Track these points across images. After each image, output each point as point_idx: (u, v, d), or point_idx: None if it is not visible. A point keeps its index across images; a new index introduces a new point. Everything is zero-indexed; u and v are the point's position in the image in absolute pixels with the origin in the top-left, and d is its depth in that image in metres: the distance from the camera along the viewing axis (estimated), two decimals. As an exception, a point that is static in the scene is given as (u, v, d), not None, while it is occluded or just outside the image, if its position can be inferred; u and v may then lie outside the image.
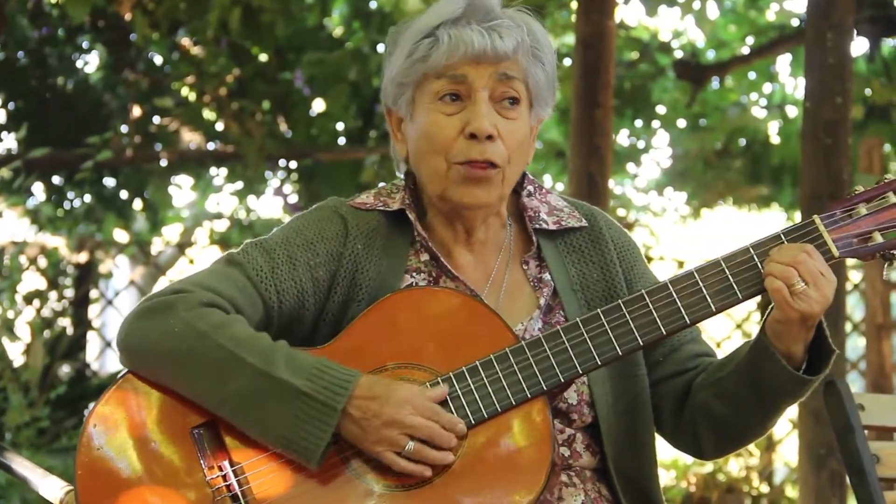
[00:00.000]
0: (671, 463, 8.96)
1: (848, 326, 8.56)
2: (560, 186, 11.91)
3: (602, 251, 2.66)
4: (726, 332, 10.21)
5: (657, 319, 2.44)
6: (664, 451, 2.75)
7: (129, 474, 2.41)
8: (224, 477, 2.40)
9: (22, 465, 2.82)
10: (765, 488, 9.27)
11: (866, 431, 2.81)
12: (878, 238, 2.46)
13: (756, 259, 2.45)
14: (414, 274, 2.61)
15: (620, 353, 2.44)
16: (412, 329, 2.47)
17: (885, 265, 2.49)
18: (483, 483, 2.38)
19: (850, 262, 7.06)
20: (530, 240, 2.66)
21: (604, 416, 2.57)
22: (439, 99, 2.53)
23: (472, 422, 2.40)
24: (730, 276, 2.45)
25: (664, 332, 2.45)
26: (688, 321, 2.45)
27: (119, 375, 2.50)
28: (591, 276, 2.64)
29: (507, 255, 2.66)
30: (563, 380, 2.43)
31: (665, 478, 8.89)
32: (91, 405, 2.46)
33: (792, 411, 9.69)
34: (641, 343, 2.44)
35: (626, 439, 2.60)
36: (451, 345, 2.45)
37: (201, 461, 2.41)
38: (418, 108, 2.57)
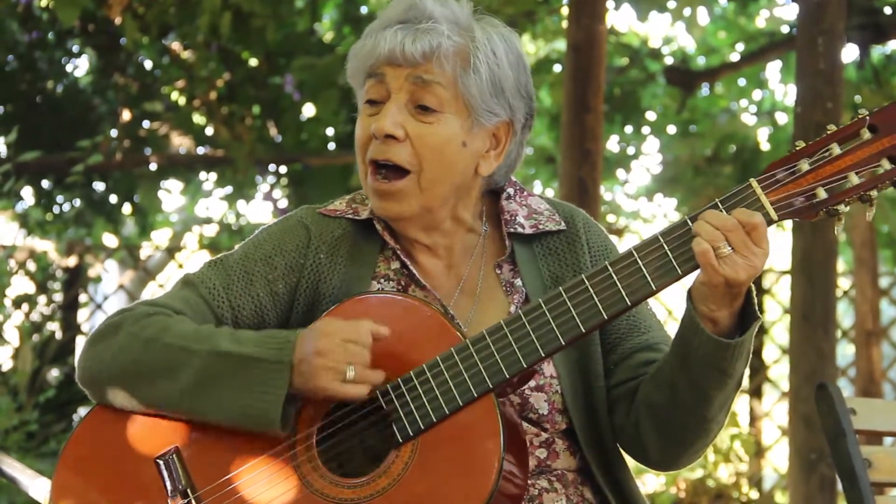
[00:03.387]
0: (661, 468, 8.94)
1: (837, 333, 8.57)
2: (550, 192, 11.92)
3: (576, 254, 2.64)
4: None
5: (598, 303, 2.37)
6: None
7: None
8: None
9: (12, 467, 2.82)
10: (754, 494, 9.28)
11: (857, 436, 2.80)
12: (823, 194, 2.33)
13: (694, 230, 2.35)
14: (382, 280, 2.60)
15: (563, 343, 2.38)
16: None
17: (836, 222, 2.36)
18: (435, 488, 2.35)
19: (839, 267, 7.07)
20: (505, 244, 2.64)
21: (578, 422, 2.55)
22: (366, 102, 2.56)
23: (422, 426, 2.38)
24: (668, 252, 2.35)
25: (605, 317, 2.37)
26: (628, 302, 2.36)
27: (87, 413, 2.53)
28: (565, 280, 2.60)
29: (479, 260, 2.64)
30: (507, 375, 2.38)
31: (654, 483, 8.89)
32: (78, 410, 2.49)
33: (783, 418, 9.71)
34: (584, 330, 2.37)
35: (602, 442, 2.59)
36: (400, 350, 2.42)
37: (167, 490, 2.41)
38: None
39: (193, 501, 2.40)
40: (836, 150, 2.34)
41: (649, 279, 2.36)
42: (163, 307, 2.51)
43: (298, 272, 2.59)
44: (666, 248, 2.36)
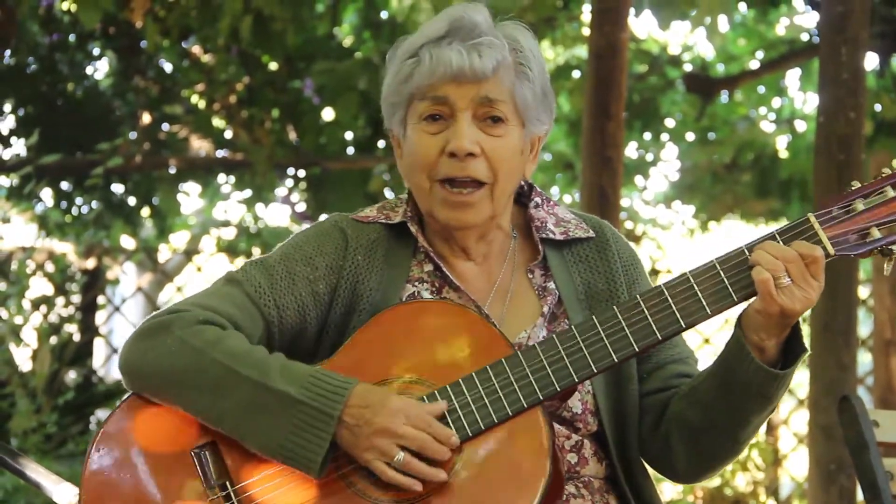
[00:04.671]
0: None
1: (856, 342, 8.53)
2: (567, 198, 11.91)
3: (608, 262, 2.67)
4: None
5: (652, 324, 2.42)
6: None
7: (132, 497, 2.44)
8: (225, 497, 2.41)
9: (35, 471, 2.82)
10: (771, 503, 9.26)
11: (880, 448, 2.80)
12: (876, 234, 2.41)
13: (751, 259, 2.41)
14: (416, 283, 2.63)
15: (616, 360, 2.42)
16: (410, 343, 2.47)
17: (886, 262, 2.44)
18: (481, 495, 2.36)
19: (860, 275, 7.06)
20: (536, 249, 2.67)
21: (608, 425, 2.58)
22: (424, 119, 2.56)
23: (470, 433, 2.39)
24: (725, 279, 2.41)
25: (660, 338, 2.42)
26: (683, 325, 2.42)
27: (123, 398, 2.53)
28: (597, 286, 2.65)
29: (511, 265, 2.67)
30: (559, 388, 2.41)
31: (671, 492, 8.88)
32: (96, 412, 2.49)
33: (800, 426, 9.68)
34: (637, 349, 2.42)
35: (628, 450, 2.61)
36: (448, 357, 2.44)
37: (202, 482, 2.41)
38: (408, 127, 2.60)
39: (232, 494, 2.40)
40: (890, 192, 2.43)
41: (705, 304, 2.41)
42: (214, 312, 2.51)
43: (338, 273, 2.61)
44: (722, 274, 2.42)
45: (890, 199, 2.42)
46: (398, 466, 2.35)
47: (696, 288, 2.41)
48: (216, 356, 2.43)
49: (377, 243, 2.64)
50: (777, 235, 2.42)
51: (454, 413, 2.40)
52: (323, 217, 2.76)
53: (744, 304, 2.44)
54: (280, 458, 2.38)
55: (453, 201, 2.54)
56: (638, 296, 2.43)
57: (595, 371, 2.42)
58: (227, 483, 2.41)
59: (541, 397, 2.40)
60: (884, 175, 2.44)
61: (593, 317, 2.43)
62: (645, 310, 2.42)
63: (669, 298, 2.42)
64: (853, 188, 2.44)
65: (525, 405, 2.40)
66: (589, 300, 2.63)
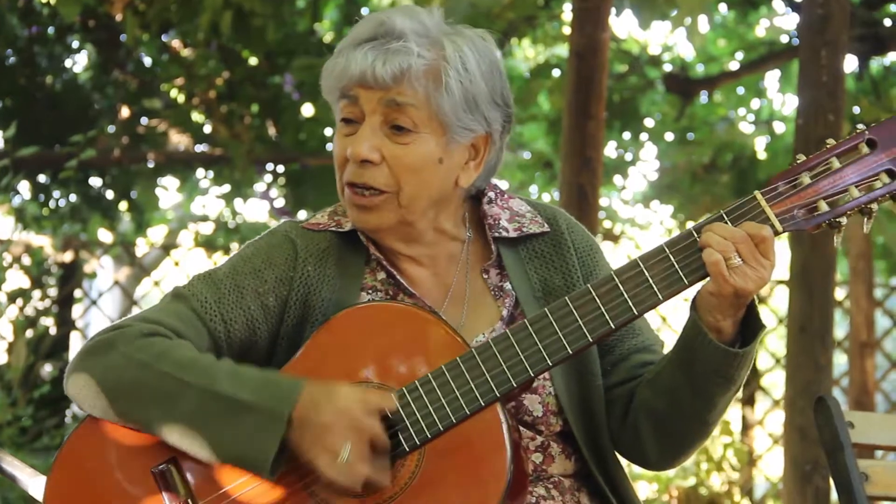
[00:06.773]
0: (653, 476, 8.96)
1: (832, 343, 8.56)
2: (546, 197, 11.92)
3: (563, 255, 2.64)
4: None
5: (605, 314, 2.36)
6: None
7: None
8: None
9: (10, 464, 2.80)
10: (746, 503, 9.29)
11: (854, 449, 2.81)
12: (824, 207, 2.35)
13: (700, 242, 2.36)
14: (370, 291, 2.59)
15: (571, 352, 2.37)
16: (364, 346, 2.43)
17: (835, 234, 2.39)
18: (442, 497, 2.35)
19: (837, 277, 7.09)
20: (491, 248, 2.63)
21: (575, 423, 2.56)
22: (341, 121, 2.55)
23: (429, 436, 2.36)
24: (675, 262, 2.36)
25: (613, 327, 2.37)
26: (635, 312, 2.37)
27: (80, 420, 2.50)
28: (554, 283, 2.61)
29: (465, 267, 2.63)
30: (515, 384, 2.37)
31: (647, 490, 8.90)
32: (72, 406, 2.46)
33: (776, 427, 9.72)
34: (591, 340, 2.37)
35: (599, 444, 2.60)
36: (403, 359, 2.41)
37: (164, 501, 2.38)
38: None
39: None
40: (835, 163, 2.36)
41: (656, 289, 2.37)
42: (158, 325, 2.46)
43: (288, 285, 2.56)
44: (672, 258, 2.37)
45: (835, 170, 2.36)
46: (344, 462, 2.28)
47: (646, 274, 2.36)
48: (163, 368, 2.38)
49: (328, 252, 2.60)
50: (724, 215, 2.37)
51: (412, 416, 2.36)
52: (283, 220, 2.72)
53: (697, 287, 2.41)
54: (233, 462, 2.35)
55: (355, 203, 2.52)
56: (589, 285, 2.38)
57: (550, 364, 2.37)
58: (189, 501, 2.37)
59: (497, 394, 2.36)
60: (828, 146, 2.38)
61: (545, 309, 2.38)
62: (597, 299, 2.37)
63: (620, 286, 2.37)
64: (798, 161, 2.39)
65: (482, 404, 2.36)
66: (546, 298, 2.59)
